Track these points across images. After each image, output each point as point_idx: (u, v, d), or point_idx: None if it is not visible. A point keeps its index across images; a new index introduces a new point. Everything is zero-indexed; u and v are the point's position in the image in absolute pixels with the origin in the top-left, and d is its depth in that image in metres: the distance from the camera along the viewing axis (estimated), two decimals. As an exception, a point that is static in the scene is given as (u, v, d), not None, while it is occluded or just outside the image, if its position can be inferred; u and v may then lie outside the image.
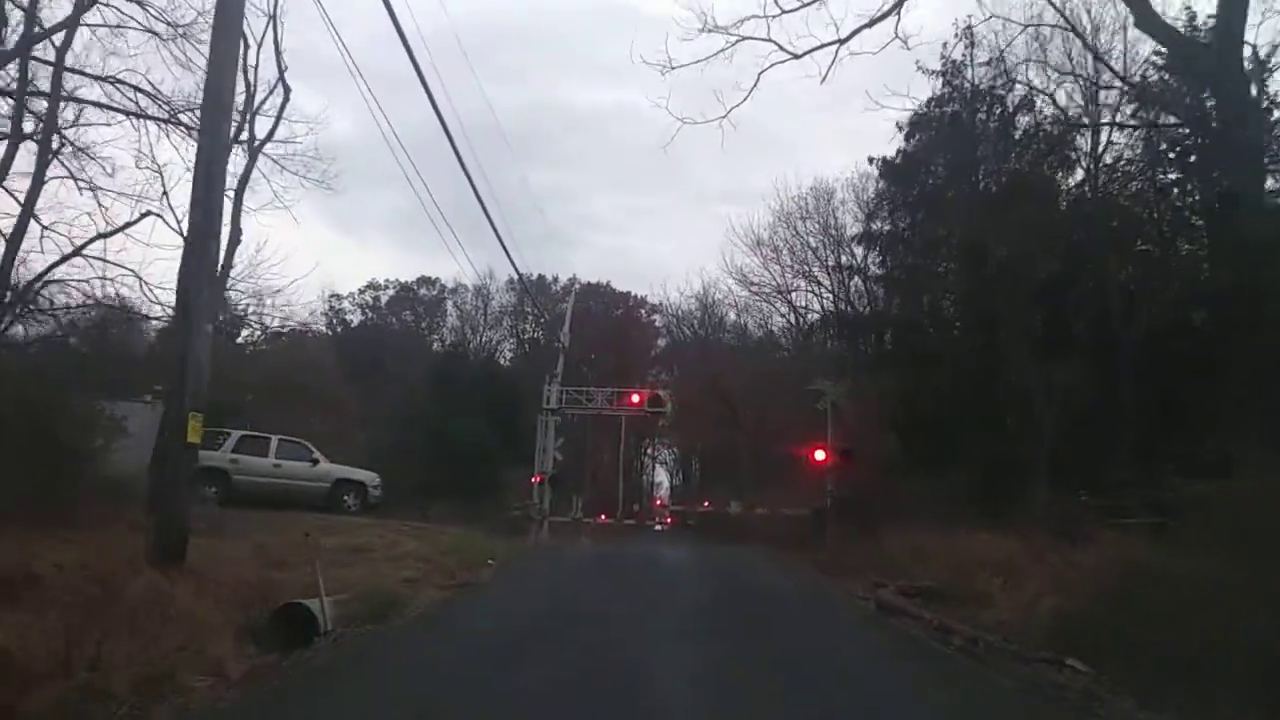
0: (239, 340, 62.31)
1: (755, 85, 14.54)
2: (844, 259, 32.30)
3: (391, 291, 71.48)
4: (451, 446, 40.79)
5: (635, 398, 35.26)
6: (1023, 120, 24.92)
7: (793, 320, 48.22)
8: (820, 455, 27.50)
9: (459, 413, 42.59)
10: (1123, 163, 26.28)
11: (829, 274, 44.14)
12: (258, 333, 63.08)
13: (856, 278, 32.50)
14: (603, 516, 38.27)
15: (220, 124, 11.06)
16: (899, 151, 26.53)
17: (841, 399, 28.12)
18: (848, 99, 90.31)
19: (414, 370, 54.50)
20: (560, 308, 52.84)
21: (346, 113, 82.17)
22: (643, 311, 71.53)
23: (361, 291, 70.82)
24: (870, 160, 26.94)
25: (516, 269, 67.90)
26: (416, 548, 19.13)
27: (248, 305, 59.73)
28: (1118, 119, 25.97)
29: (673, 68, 14.21)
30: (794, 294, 46.99)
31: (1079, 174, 24.91)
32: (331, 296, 67.90)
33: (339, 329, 69.34)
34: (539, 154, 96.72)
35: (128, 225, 17.77)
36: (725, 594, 16.61)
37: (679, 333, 63.55)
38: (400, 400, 49.94)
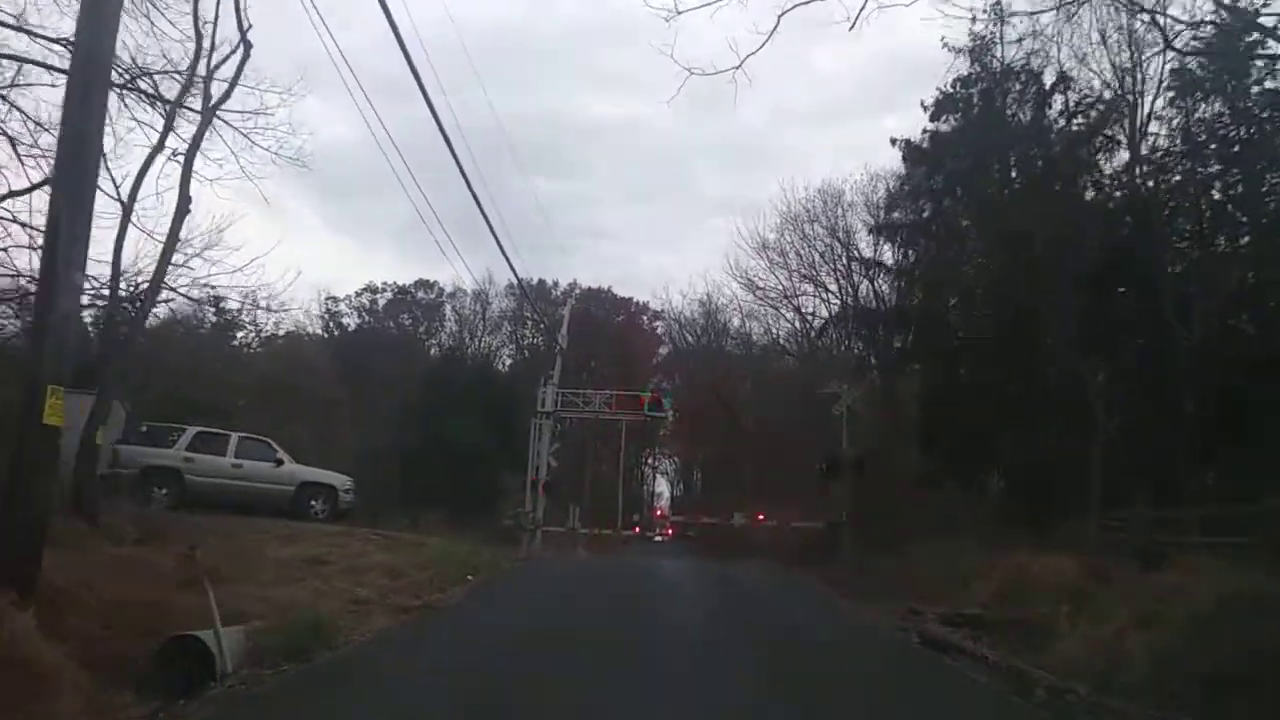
0: (235, 343, 60.50)
1: (775, 29, 11.92)
2: (858, 253, 29.77)
3: (389, 295, 69.00)
4: (444, 452, 38.29)
5: (637, 400, 32.66)
6: (1059, 99, 22.42)
7: (799, 326, 45.66)
8: (835, 464, 24.89)
9: (452, 417, 40.11)
10: (1159, 154, 23.90)
11: (838, 278, 41.67)
12: (252, 335, 61.48)
13: (868, 279, 29.93)
14: (601, 528, 35.56)
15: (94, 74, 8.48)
16: (925, 133, 24.11)
17: (858, 403, 25.55)
18: (853, 110, 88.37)
19: (410, 374, 51.98)
20: (560, 312, 50.28)
21: (356, 118, 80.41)
22: (644, 318, 69.01)
23: (358, 294, 68.38)
24: (893, 142, 24.45)
25: (516, 273, 65.61)
26: (385, 560, 16.54)
27: (241, 307, 58.23)
28: (1157, 103, 23.63)
29: (679, 12, 11.64)
30: (801, 298, 44.48)
31: (1123, 156, 22.36)
32: (328, 299, 65.62)
33: (335, 332, 67.06)
34: (545, 164, 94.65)
35: (31, 189, 15.12)
36: (737, 622, 13.96)
37: (681, 340, 60.95)
38: (395, 404, 47.50)
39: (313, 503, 21.01)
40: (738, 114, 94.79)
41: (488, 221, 20.49)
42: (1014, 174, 22.63)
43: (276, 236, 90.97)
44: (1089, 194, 22.28)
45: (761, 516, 29.67)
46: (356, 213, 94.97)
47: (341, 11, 18.20)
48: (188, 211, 17.89)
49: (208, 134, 17.77)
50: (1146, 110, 23.72)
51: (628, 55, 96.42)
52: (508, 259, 49.57)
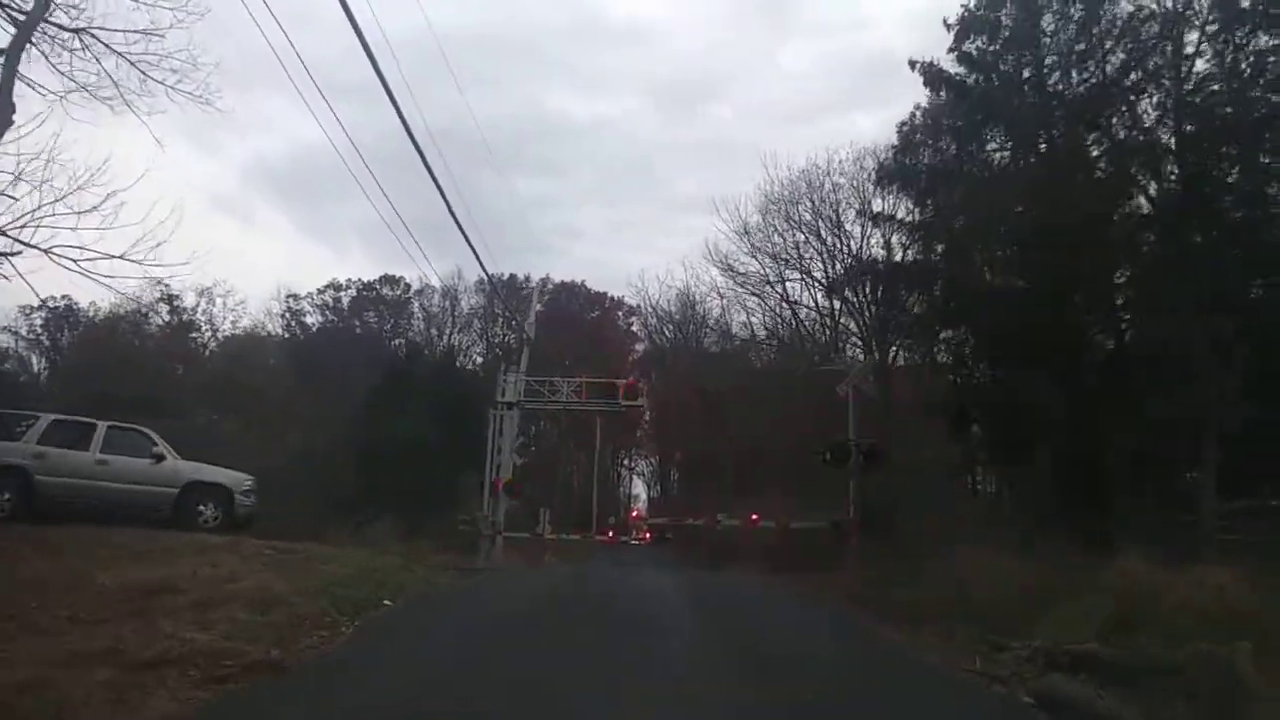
0: (194, 343, 55.33)
1: None
2: (868, 208, 25.27)
3: (353, 292, 64.11)
4: (397, 451, 33.57)
5: (615, 387, 27.96)
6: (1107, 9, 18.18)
7: (787, 312, 41.33)
8: (842, 452, 20.47)
9: (409, 414, 35.42)
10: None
11: (828, 251, 37.51)
12: (208, 334, 56.28)
13: (880, 233, 25.43)
14: (572, 532, 31.00)
15: None
16: (951, 51, 19.56)
17: (866, 382, 21.16)
18: (828, 106, 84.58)
19: (372, 373, 47.07)
20: (526, 295, 45.67)
21: (327, 120, 74.65)
22: (620, 314, 64.54)
23: (321, 291, 63.55)
24: (911, 65, 19.87)
25: (484, 267, 60.79)
26: (263, 585, 11.80)
27: (196, 305, 52.94)
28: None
29: None
30: (787, 283, 40.19)
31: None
32: (289, 297, 60.71)
33: (297, 331, 62.10)
34: (519, 164, 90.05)
35: None
36: (746, 669, 9.37)
37: (659, 334, 56.25)
38: (353, 403, 42.59)
39: (200, 507, 16.27)
40: (710, 112, 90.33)
41: (453, 214, 16.95)
42: (1055, 103, 18.38)
43: (239, 236, 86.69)
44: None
45: (756, 517, 25.22)
46: (326, 214, 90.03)
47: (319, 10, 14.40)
48: (9, 123, 13.30)
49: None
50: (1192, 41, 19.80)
51: (600, 56, 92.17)
52: (475, 253, 44.62)
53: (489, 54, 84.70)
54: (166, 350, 50.37)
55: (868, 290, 28.86)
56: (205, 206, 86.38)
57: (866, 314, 31.52)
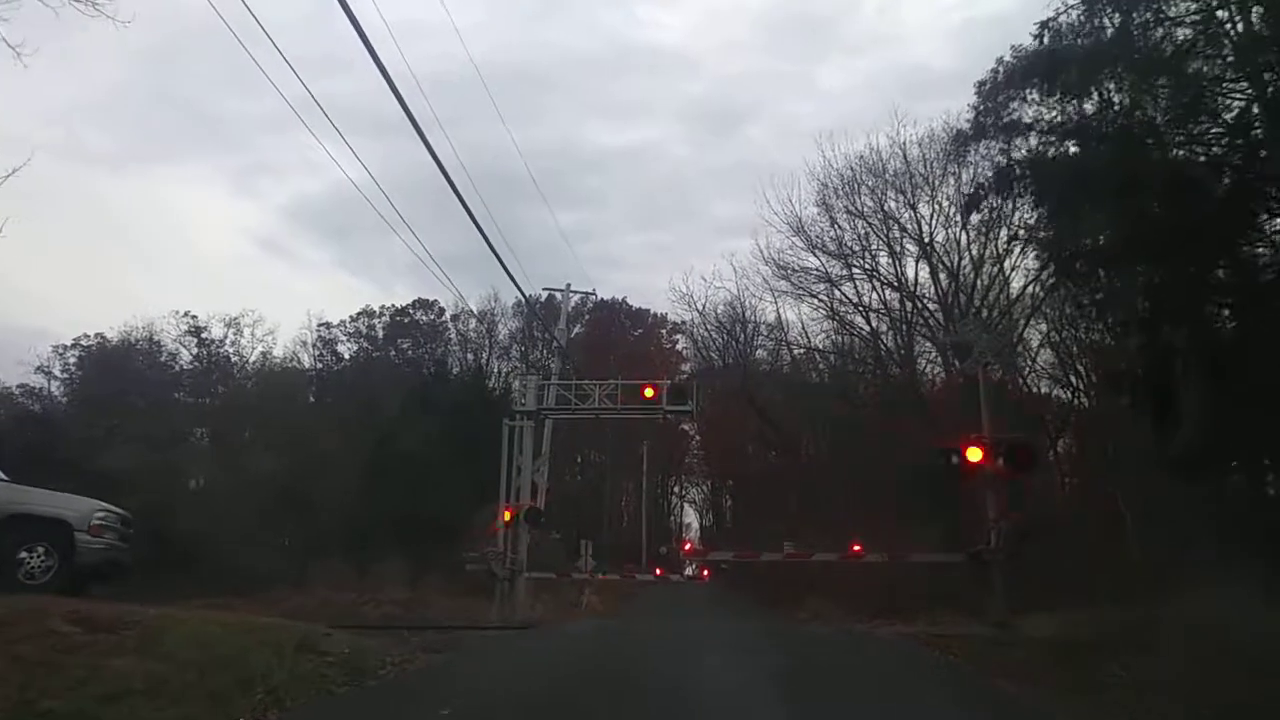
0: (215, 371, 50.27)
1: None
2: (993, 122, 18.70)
3: (386, 319, 58.68)
4: (405, 480, 27.55)
5: (649, 391, 21.45)
6: None
7: (851, 316, 34.54)
8: (977, 456, 13.64)
9: (422, 440, 29.43)
10: None
11: (901, 231, 31.03)
12: (237, 364, 51.08)
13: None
14: (619, 569, 24.45)
15: None
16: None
17: (1005, 357, 14.50)
18: (859, 121, 78.43)
19: (396, 401, 41.07)
20: (559, 301, 39.65)
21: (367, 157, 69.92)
22: (663, 331, 58.13)
23: (354, 319, 58.16)
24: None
25: (516, 283, 54.96)
26: None
27: (225, 335, 47.91)
28: None
29: None
30: (856, 280, 33.51)
31: None
32: (320, 325, 55.38)
33: (330, 360, 56.73)
34: (556, 194, 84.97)
35: None
36: None
37: (705, 350, 48.39)
38: (373, 432, 36.50)
39: (24, 554, 10.12)
40: (745, 134, 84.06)
41: (478, 226, 12.89)
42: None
43: (281, 273, 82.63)
44: None
45: (859, 549, 18.36)
46: (364, 248, 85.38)
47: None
48: None
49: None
50: None
51: (632, 82, 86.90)
52: (506, 269, 38.56)
53: (521, 86, 79.92)
54: (179, 379, 45.46)
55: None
56: (245, 243, 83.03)
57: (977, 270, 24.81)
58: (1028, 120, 14.79)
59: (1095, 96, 13.39)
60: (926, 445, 21.73)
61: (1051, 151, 14.27)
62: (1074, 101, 13.63)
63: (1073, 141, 13.99)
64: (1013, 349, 17.29)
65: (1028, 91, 14.87)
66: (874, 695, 8.94)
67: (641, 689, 8.86)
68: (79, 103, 72.90)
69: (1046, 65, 14.15)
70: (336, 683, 8.27)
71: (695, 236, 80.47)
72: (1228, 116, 12.79)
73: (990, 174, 16.93)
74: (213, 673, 7.37)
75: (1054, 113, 14.08)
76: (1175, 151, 12.80)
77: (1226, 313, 12.38)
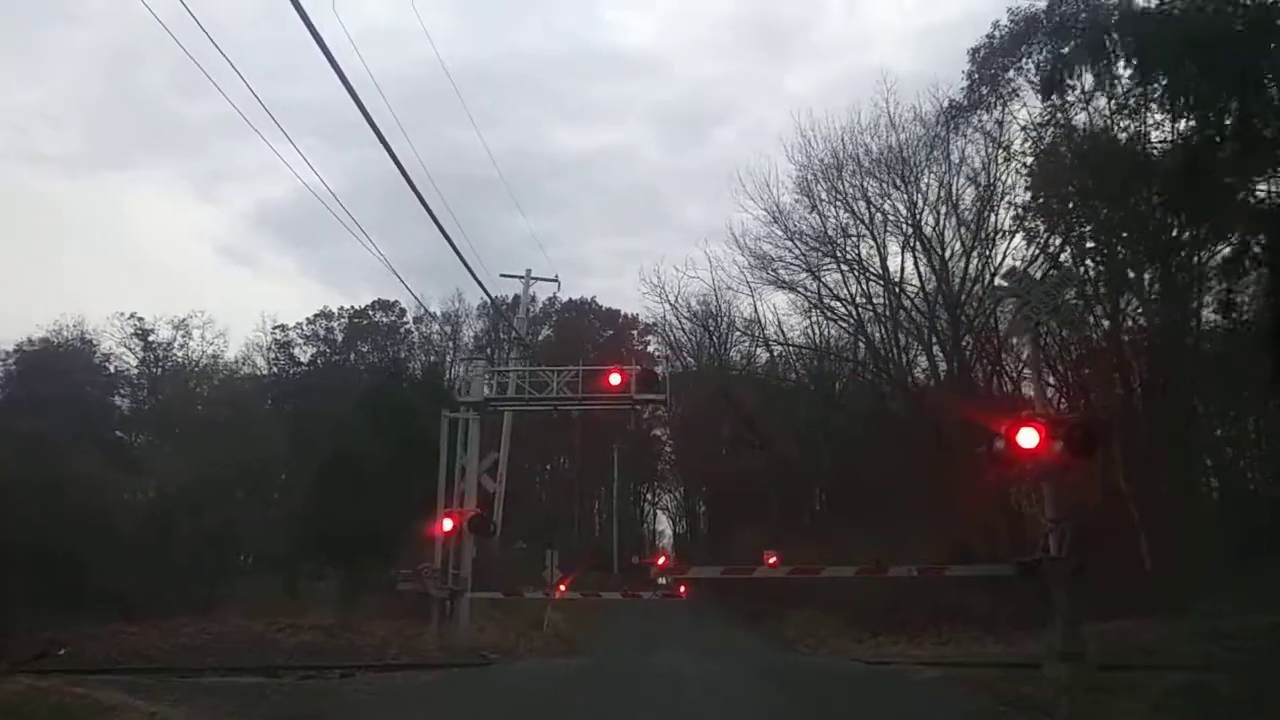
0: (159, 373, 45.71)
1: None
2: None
3: (345, 320, 54.55)
4: (343, 490, 23.58)
5: (615, 377, 17.69)
6: None
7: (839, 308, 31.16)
8: (1032, 440, 10.14)
9: (371, 450, 25.41)
10: None
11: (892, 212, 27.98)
12: (186, 369, 46.52)
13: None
14: (561, 587, 20.62)
15: None
16: None
17: (1064, 314, 11.13)
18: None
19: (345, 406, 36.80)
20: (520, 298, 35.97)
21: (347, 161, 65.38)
22: (634, 333, 54.55)
23: (311, 321, 53.91)
24: None
25: (481, 284, 51.11)
26: None
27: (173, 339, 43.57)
28: None
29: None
30: (826, 270, 30.21)
31: None
32: (276, 328, 50.97)
33: (285, 363, 52.37)
34: (523, 198, 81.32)
35: None
36: None
37: (679, 352, 44.50)
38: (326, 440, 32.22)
39: None
40: (713, 139, 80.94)
41: (440, 228, 12.63)
42: None
43: (243, 280, 77.89)
44: None
45: (880, 564, 14.70)
46: (330, 255, 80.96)
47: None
48: None
49: None
50: None
51: (599, 87, 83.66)
52: (468, 267, 34.51)
53: (485, 89, 76.24)
54: (115, 381, 41.06)
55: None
56: (208, 250, 78.19)
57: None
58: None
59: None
60: (919, 443, 18.54)
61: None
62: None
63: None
64: (1069, 306, 14.02)
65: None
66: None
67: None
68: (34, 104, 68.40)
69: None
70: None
71: (666, 241, 77.28)
72: None
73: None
74: None
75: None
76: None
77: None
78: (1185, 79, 9.32)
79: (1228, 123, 9.60)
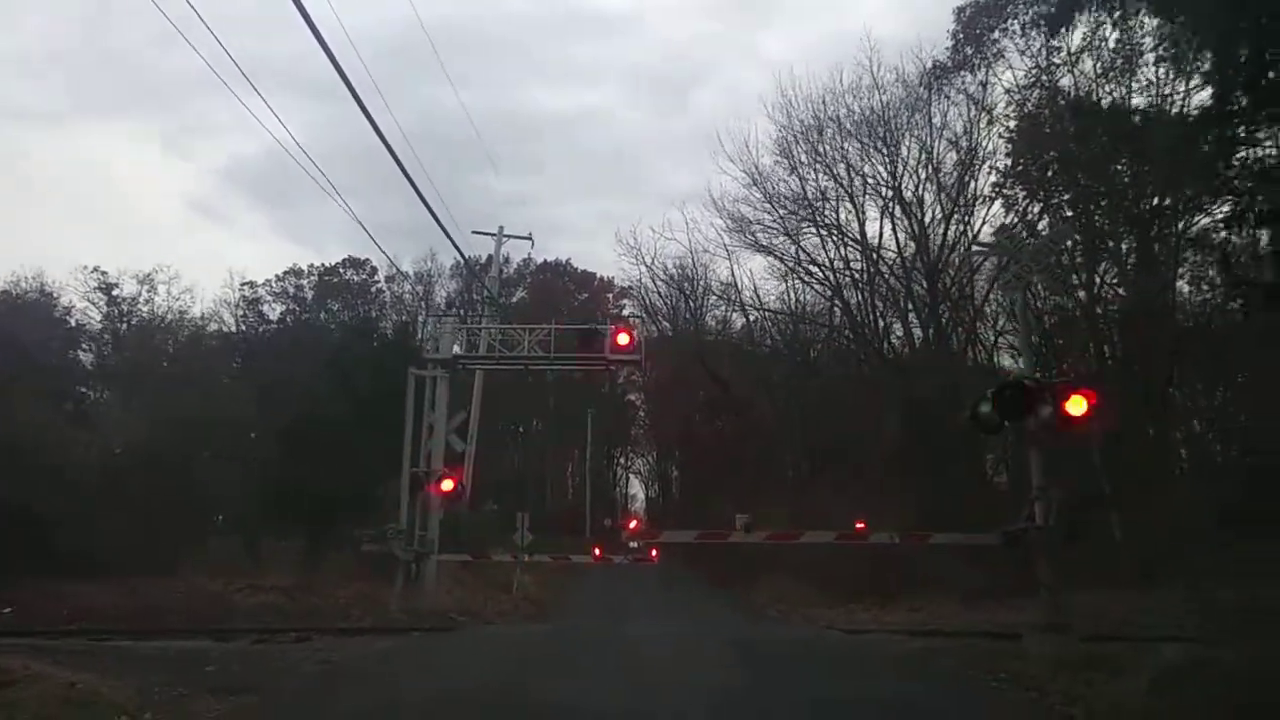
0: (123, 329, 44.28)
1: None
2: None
3: (315, 278, 53.19)
4: (316, 454, 22.74)
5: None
6: None
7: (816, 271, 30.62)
8: (1011, 404, 9.67)
9: (338, 409, 24.52)
10: None
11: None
12: (151, 324, 45.07)
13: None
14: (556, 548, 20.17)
15: None
16: None
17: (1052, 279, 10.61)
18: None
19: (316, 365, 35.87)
20: (495, 253, 35.13)
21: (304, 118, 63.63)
22: (609, 296, 53.79)
23: (280, 279, 52.40)
24: None
25: (454, 242, 50.09)
26: None
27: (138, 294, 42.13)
28: None
29: None
30: (807, 233, 29.63)
31: None
32: (244, 285, 49.40)
33: (254, 321, 50.95)
34: (497, 158, 79.57)
35: None
36: None
37: (655, 315, 44.02)
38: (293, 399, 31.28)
39: None
40: (693, 100, 79.58)
41: (412, 183, 12.42)
42: None
43: (215, 237, 75.84)
44: None
45: (862, 525, 14.30)
46: (304, 214, 78.91)
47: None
48: None
49: None
50: None
51: (577, 46, 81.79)
52: (440, 224, 33.38)
53: (461, 48, 74.14)
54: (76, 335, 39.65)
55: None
56: (178, 205, 75.86)
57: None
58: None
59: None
60: (895, 409, 18.10)
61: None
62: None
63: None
64: (1060, 265, 13.52)
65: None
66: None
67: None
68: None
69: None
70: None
71: (644, 205, 76.27)
72: None
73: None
74: None
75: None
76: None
77: None
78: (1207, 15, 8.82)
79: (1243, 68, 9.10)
